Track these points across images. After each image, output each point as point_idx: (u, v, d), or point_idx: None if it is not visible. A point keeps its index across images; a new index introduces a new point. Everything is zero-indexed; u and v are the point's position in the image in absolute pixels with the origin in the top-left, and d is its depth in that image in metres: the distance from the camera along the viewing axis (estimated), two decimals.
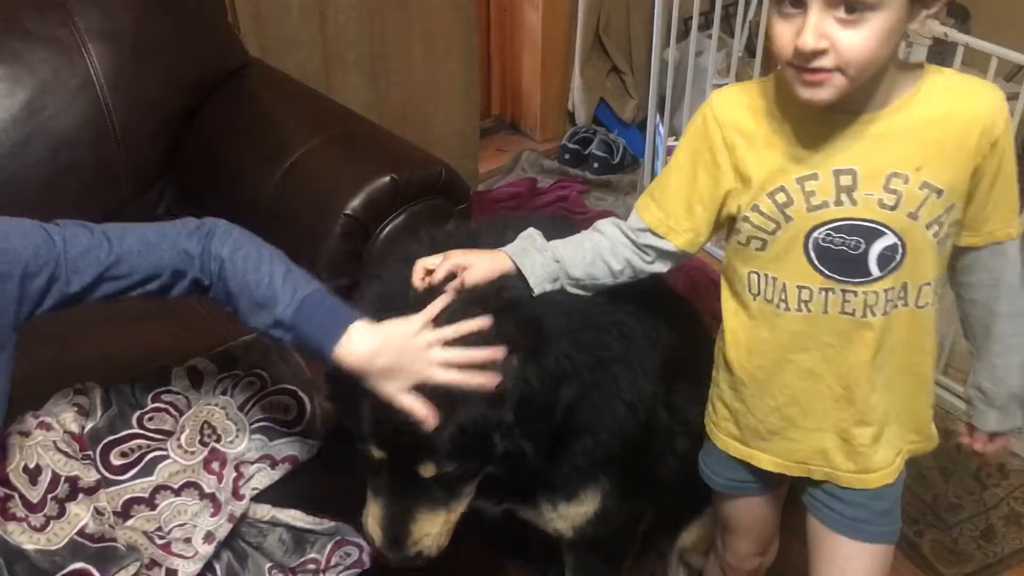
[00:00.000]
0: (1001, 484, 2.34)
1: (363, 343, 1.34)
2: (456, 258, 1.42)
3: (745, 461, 1.51)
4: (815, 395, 1.40)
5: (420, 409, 1.31)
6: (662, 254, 1.45)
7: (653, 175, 3.39)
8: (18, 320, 1.30)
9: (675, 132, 3.32)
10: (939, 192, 1.26)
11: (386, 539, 1.42)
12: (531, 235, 1.48)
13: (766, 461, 1.49)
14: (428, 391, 1.32)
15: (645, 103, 3.34)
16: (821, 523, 1.51)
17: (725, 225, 1.41)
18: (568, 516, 1.64)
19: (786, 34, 1.18)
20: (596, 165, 3.49)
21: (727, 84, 3.02)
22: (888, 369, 1.38)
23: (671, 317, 1.72)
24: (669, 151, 3.36)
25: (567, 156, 3.54)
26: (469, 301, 1.39)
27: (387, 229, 1.98)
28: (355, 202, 1.95)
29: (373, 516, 1.44)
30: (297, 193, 2.06)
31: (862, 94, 1.23)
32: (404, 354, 1.32)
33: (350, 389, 1.37)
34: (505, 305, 1.40)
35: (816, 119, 1.27)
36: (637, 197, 3.00)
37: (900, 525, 1.53)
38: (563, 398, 1.43)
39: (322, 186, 2.03)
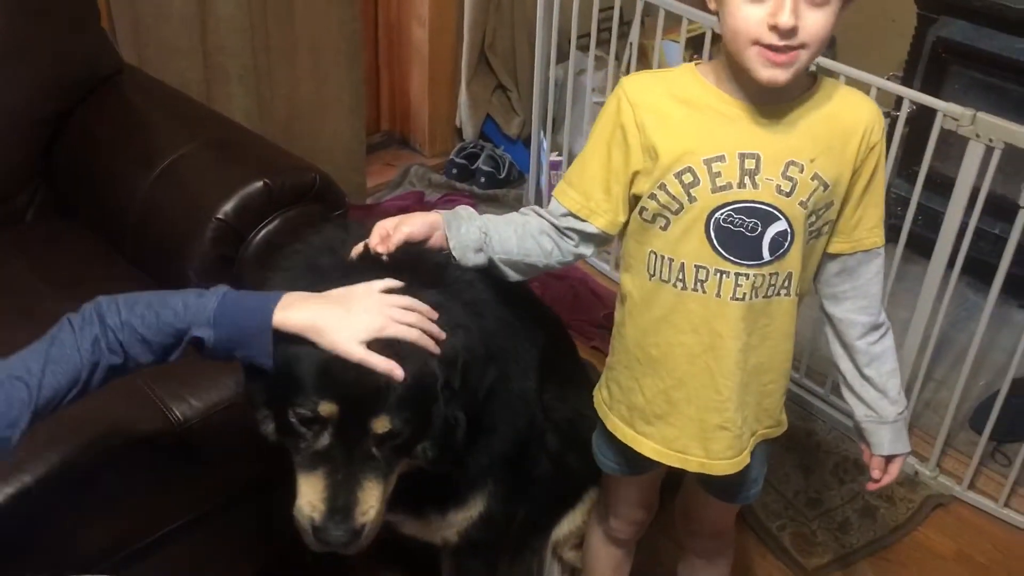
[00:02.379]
0: (857, 479, 2.47)
1: (307, 301, 1.33)
2: (393, 220, 1.45)
3: (630, 446, 1.57)
4: (700, 380, 1.46)
5: (383, 362, 1.30)
6: (585, 237, 1.50)
7: (538, 189, 3.47)
8: None
9: (558, 148, 3.41)
10: (826, 186, 1.37)
11: (330, 511, 1.33)
12: (463, 208, 1.52)
13: (648, 448, 1.54)
14: (380, 347, 1.31)
15: (530, 119, 3.42)
16: (699, 489, 1.66)
17: (631, 207, 1.46)
18: (456, 523, 1.66)
19: (756, 15, 1.26)
20: (483, 180, 3.55)
21: (603, 101, 3.13)
22: (760, 356, 1.46)
23: (542, 322, 1.79)
24: (554, 166, 3.45)
25: (455, 171, 3.60)
26: (421, 281, 1.41)
27: (260, 234, 1.99)
28: (227, 206, 1.95)
29: (313, 490, 1.35)
30: (169, 198, 2.06)
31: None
32: (359, 305, 1.32)
33: (292, 355, 1.32)
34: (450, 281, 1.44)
35: (726, 105, 1.36)
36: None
37: (760, 488, 1.67)
38: (489, 377, 1.45)
39: (194, 190, 2.03)
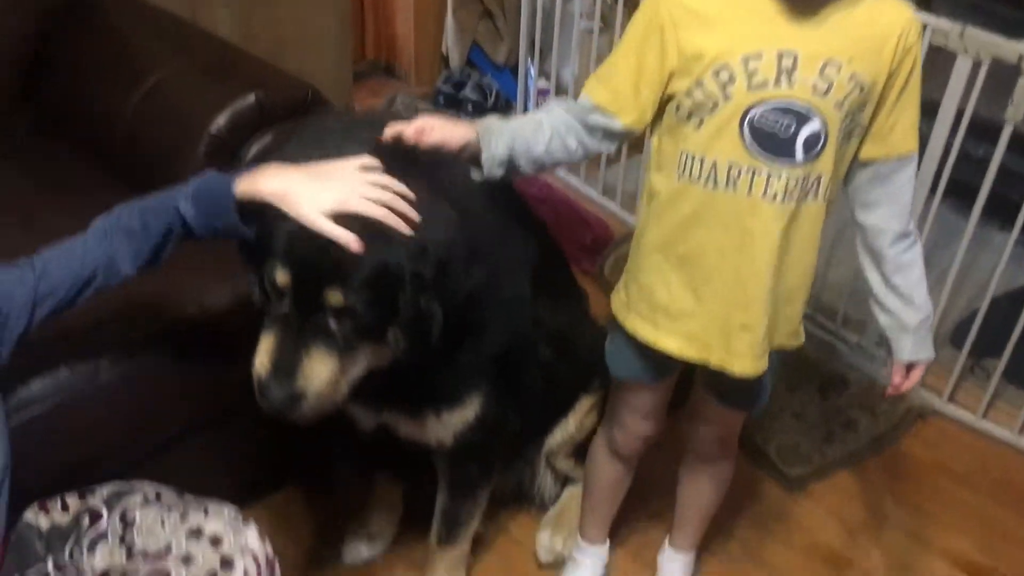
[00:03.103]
0: (843, 395, 2.53)
1: (282, 171, 1.38)
2: (437, 121, 1.47)
3: (650, 348, 1.58)
4: (730, 276, 1.48)
5: (342, 233, 1.32)
6: (609, 133, 1.51)
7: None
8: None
9: (546, 75, 3.41)
10: (862, 87, 1.39)
11: (273, 369, 1.38)
12: (493, 120, 1.53)
13: (670, 344, 1.55)
14: (351, 225, 1.33)
15: (517, 46, 3.40)
16: (711, 398, 1.69)
17: (665, 106, 1.47)
18: (450, 423, 1.70)
19: None
20: (470, 108, 3.55)
21: (591, 27, 3.13)
22: (787, 261, 1.48)
23: (537, 235, 1.82)
24: (541, 93, 3.44)
25: (441, 99, 3.59)
26: (407, 167, 1.42)
27: (253, 149, 2.00)
28: (219, 121, 1.96)
29: (264, 349, 1.40)
30: (159, 115, 2.06)
31: None
32: (332, 175, 1.36)
33: (270, 223, 1.37)
34: (440, 183, 1.44)
35: (765, 4, 1.37)
36: None
37: (767, 400, 1.71)
38: (473, 278, 1.47)
39: (185, 107, 2.03)
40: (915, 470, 2.37)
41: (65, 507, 1.45)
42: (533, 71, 3.37)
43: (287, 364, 1.38)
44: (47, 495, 1.51)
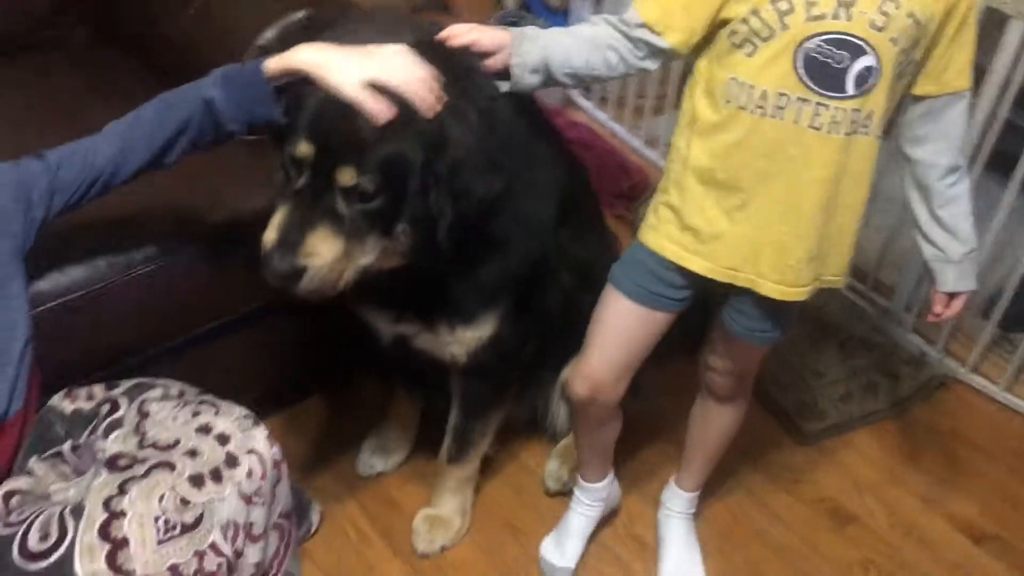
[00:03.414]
0: (865, 357, 2.53)
1: (317, 45, 1.42)
2: (468, 26, 1.51)
3: (666, 272, 1.59)
4: (767, 202, 1.49)
5: (372, 103, 1.36)
6: (654, 51, 1.51)
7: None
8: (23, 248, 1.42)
9: None
10: (919, 24, 1.40)
11: (279, 241, 1.43)
12: (531, 27, 1.56)
13: (698, 265, 1.56)
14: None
15: None
16: (728, 331, 1.69)
17: (717, 31, 1.47)
18: (464, 340, 1.74)
19: None
20: None
21: None
22: (837, 195, 1.49)
23: (565, 163, 1.84)
24: None
25: None
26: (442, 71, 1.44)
27: None
28: (267, 35, 1.99)
29: (273, 223, 1.45)
30: (209, 28, 2.10)
31: None
32: (368, 52, 1.39)
33: (297, 97, 1.41)
34: (473, 93, 1.48)
35: None
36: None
37: (787, 331, 1.71)
38: (489, 187, 1.50)
39: (234, 21, 2.06)
40: (932, 436, 2.37)
41: (91, 396, 1.52)
42: (587, 15, 3.36)
43: (292, 238, 1.43)
44: (76, 382, 1.59)
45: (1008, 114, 2.25)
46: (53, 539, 1.25)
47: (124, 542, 1.25)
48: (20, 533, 1.26)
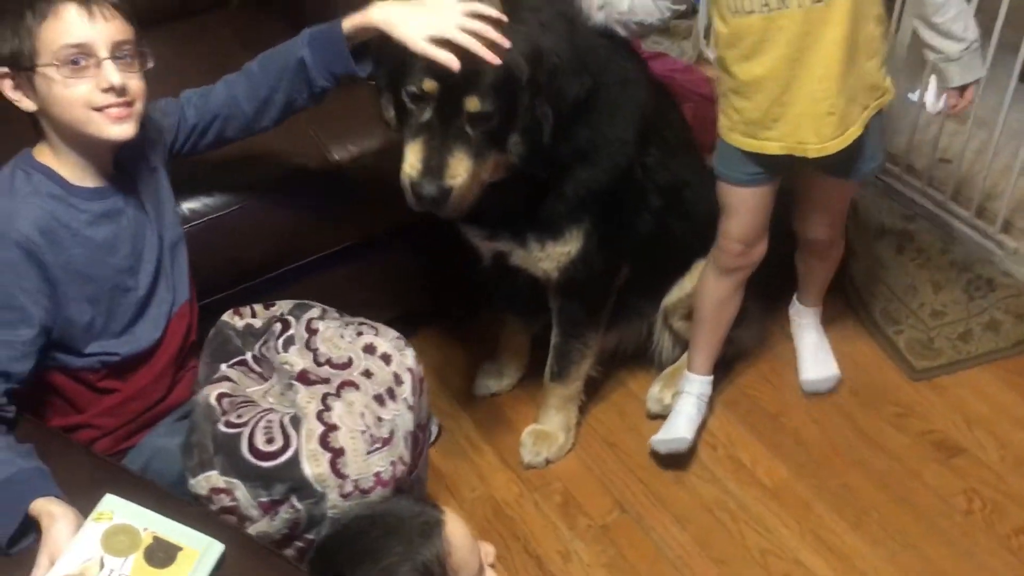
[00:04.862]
0: (987, 296, 2.47)
1: (388, 4, 1.59)
2: None
3: (756, 152, 1.82)
4: (802, 80, 1.71)
5: (439, 54, 1.53)
6: None
7: (708, 22, 3.51)
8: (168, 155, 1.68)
9: None
10: None
11: (424, 167, 1.61)
12: None
13: (773, 147, 1.80)
14: (451, 48, 1.54)
15: None
16: (819, 175, 1.92)
17: None
18: (554, 256, 1.89)
19: None
20: None
21: None
22: (850, 42, 1.69)
23: (656, 92, 1.95)
24: None
25: None
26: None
27: None
28: None
29: (413, 154, 1.63)
30: None
31: None
32: (432, 7, 1.57)
33: (400, 50, 1.58)
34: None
35: None
36: (691, 42, 3.22)
37: (881, 162, 2.02)
38: (578, 87, 1.68)
39: None
40: None
41: (254, 314, 1.75)
42: None
43: (435, 164, 1.63)
44: (221, 292, 1.84)
45: None
46: (279, 443, 1.44)
47: (341, 451, 1.44)
48: (247, 434, 1.45)
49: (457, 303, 2.37)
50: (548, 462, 2.15)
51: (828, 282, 2.27)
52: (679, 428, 2.10)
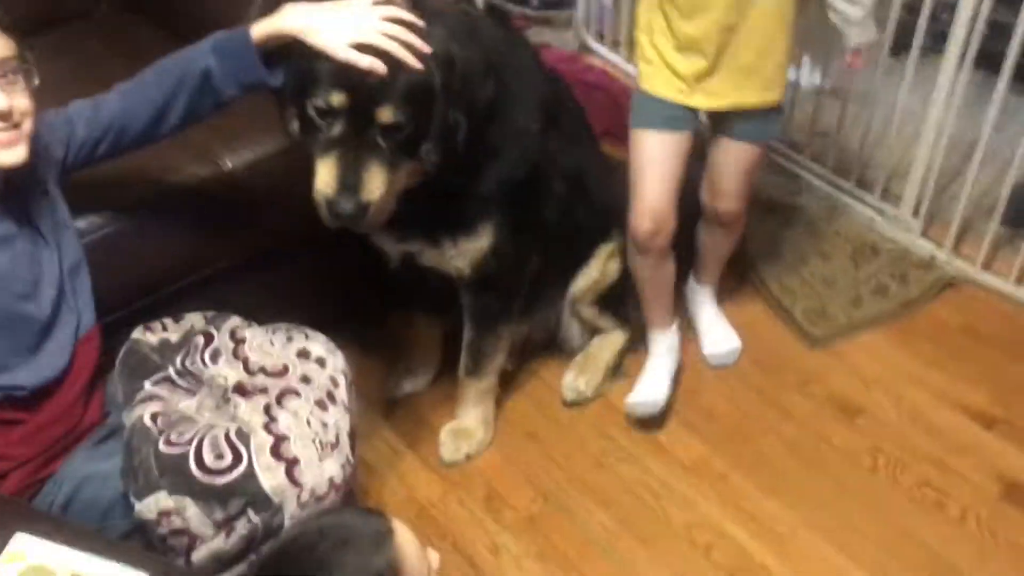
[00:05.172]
0: (873, 262, 2.59)
1: (303, 9, 1.53)
2: None
3: (672, 105, 1.92)
4: (733, 41, 1.84)
5: (362, 60, 1.49)
6: None
7: (588, 11, 3.55)
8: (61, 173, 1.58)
9: None
10: None
11: (340, 185, 1.57)
12: None
13: (696, 100, 1.92)
14: (371, 52, 1.50)
15: None
16: (728, 137, 2.01)
17: None
18: (467, 252, 1.88)
19: None
20: (536, 1, 3.65)
21: None
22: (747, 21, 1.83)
23: (547, 76, 1.97)
24: None
25: None
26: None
27: None
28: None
29: (327, 171, 1.59)
30: None
31: None
32: (349, 12, 1.52)
33: (305, 60, 1.54)
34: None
35: None
36: (573, 33, 3.27)
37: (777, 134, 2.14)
38: (487, 90, 1.66)
39: None
40: (942, 333, 2.44)
41: (166, 328, 1.69)
42: None
43: (351, 181, 1.59)
44: (129, 312, 1.76)
45: (990, 13, 2.28)
46: (229, 458, 1.40)
47: (296, 460, 1.42)
48: (193, 452, 1.40)
49: (366, 307, 2.34)
50: (469, 458, 2.15)
51: (727, 259, 2.34)
52: (652, 390, 2.17)
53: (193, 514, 1.39)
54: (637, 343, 2.32)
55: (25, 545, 1.23)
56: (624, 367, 2.33)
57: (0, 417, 1.47)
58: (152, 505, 1.40)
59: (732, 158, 2.05)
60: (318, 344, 1.62)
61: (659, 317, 2.21)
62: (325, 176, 1.60)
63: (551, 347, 2.36)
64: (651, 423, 2.19)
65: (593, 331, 2.31)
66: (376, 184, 1.59)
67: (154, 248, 1.87)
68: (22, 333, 1.46)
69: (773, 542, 1.97)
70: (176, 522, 1.40)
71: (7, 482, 1.47)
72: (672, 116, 1.93)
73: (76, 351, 1.53)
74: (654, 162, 1.96)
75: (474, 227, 1.84)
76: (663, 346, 2.22)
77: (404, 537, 1.19)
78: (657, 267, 2.11)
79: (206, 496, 1.39)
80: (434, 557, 1.24)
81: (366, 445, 2.17)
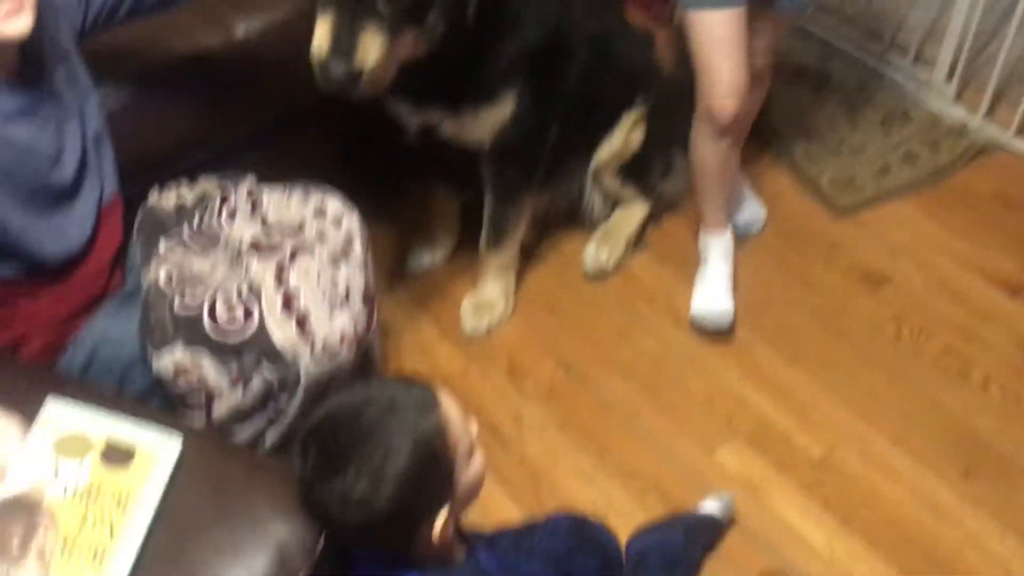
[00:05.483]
0: (903, 130, 2.52)
1: None
2: None
3: None
4: None
5: None
6: None
7: None
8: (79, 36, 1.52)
9: None
10: None
11: (332, 49, 1.53)
12: None
13: None
14: None
15: None
16: (769, 8, 1.86)
17: None
18: (488, 122, 1.83)
19: None
20: None
21: None
22: None
23: None
24: None
25: None
26: None
27: None
28: None
29: (321, 30, 1.54)
30: None
31: None
32: None
33: None
34: None
35: None
36: None
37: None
38: None
39: None
40: (972, 200, 2.39)
41: (180, 192, 1.67)
42: None
43: (345, 44, 1.53)
44: (144, 189, 1.74)
45: None
46: (241, 314, 1.42)
47: (306, 315, 1.44)
48: (206, 309, 1.42)
49: (383, 179, 2.30)
50: (490, 330, 2.14)
51: (749, 126, 2.24)
52: (719, 298, 2.10)
53: (209, 369, 1.42)
54: (659, 215, 2.29)
55: (59, 411, 1.25)
56: (646, 239, 2.31)
57: (27, 287, 1.47)
58: (168, 361, 1.42)
59: (770, 23, 1.93)
60: (335, 202, 1.62)
61: (718, 216, 2.12)
62: (320, 36, 1.55)
63: (573, 219, 2.33)
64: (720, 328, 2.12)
65: (615, 202, 2.28)
66: (372, 50, 1.53)
67: (167, 118, 1.82)
68: (46, 204, 1.45)
69: (794, 410, 1.98)
70: (193, 378, 1.42)
71: (31, 345, 1.49)
72: None
73: (99, 221, 1.52)
74: (723, 41, 1.82)
75: (495, 96, 1.78)
76: (719, 250, 2.14)
77: (448, 404, 1.19)
78: (732, 150, 2.05)
79: (220, 351, 1.41)
80: (474, 425, 1.24)
81: (387, 317, 2.17)
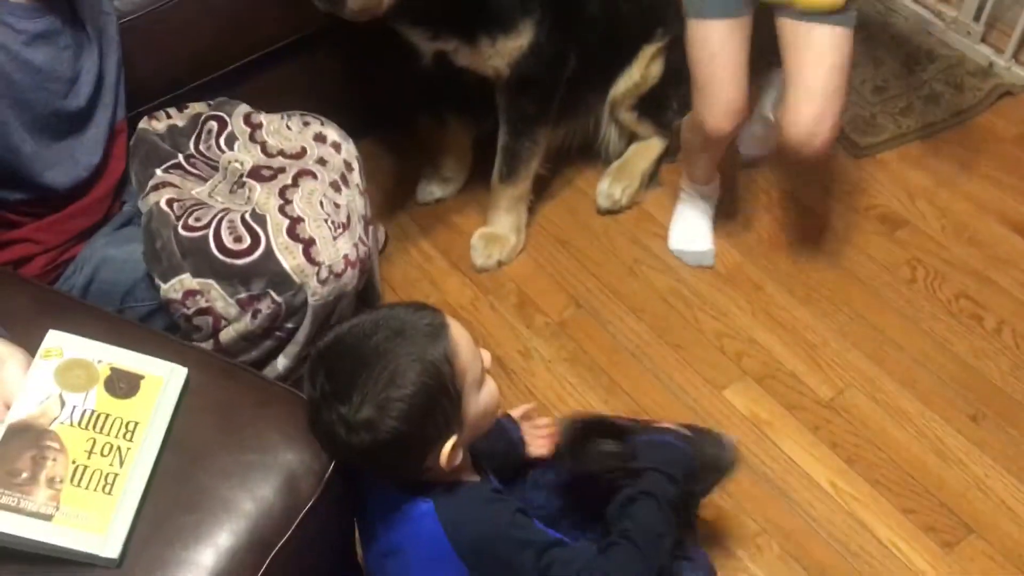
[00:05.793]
0: (928, 69, 2.46)
1: None
2: None
3: None
4: None
5: None
6: None
7: None
8: None
9: None
10: None
11: None
12: None
13: None
14: None
15: None
16: (799, 21, 1.69)
17: None
18: (505, 50, 1.79)
19: None
20: None
21: None
22: None
23: None
24: None
25: None
26: None
27: None
28: None
29: None
30: None
31: None
32: None
33: None
34: None
35: None
36: None
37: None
38: None
39: None
40: (995, 144, 2.34)
41: (170, 116, 1.65)
42: None
43: None
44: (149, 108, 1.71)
45: None
46: (248, 240, 1.42)
47: (312, 240, 1.44)
48: (212, 235, 1.42)
49: (395, 108, 2.27)
50: (500, 264, 2.13)
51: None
52: (700, 237, 2.12)
53: (217, 294, 1.42)
54: (675, 152, 2.25)
55: (60, 341, 1.23)
56: (660, 176, 2.27)
57: (35, 210, 1.46)
58: (177, 286, 1.43)
59: (806, 48, 1.70)
60: (332, 130, 1.65)
61: (704, 173, 2.09)
62: None
63: (587, 154, 2.30)
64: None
65: (631, 138, 2.24)
66: None
67: (174, 42, 1.78)
68: (59, 130, 1.43)
69: (804, 350, 1.97)
70: (201, 302, 1.43)
71: (32, 265, 1.48)
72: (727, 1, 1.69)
73: (108, 148, 1.50)
74: (721, 54, 1.72)
75: (513, 24, 1.74)
76: (703, 195, 2.13)
77: (458, 331, 1.18)
78: (718, 151, 2.00)
79: (229, 276, 1.41)
80: (486, 355, 1.23)
81: (396, 248, 2.16)
